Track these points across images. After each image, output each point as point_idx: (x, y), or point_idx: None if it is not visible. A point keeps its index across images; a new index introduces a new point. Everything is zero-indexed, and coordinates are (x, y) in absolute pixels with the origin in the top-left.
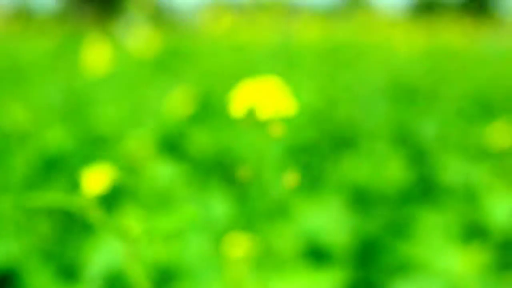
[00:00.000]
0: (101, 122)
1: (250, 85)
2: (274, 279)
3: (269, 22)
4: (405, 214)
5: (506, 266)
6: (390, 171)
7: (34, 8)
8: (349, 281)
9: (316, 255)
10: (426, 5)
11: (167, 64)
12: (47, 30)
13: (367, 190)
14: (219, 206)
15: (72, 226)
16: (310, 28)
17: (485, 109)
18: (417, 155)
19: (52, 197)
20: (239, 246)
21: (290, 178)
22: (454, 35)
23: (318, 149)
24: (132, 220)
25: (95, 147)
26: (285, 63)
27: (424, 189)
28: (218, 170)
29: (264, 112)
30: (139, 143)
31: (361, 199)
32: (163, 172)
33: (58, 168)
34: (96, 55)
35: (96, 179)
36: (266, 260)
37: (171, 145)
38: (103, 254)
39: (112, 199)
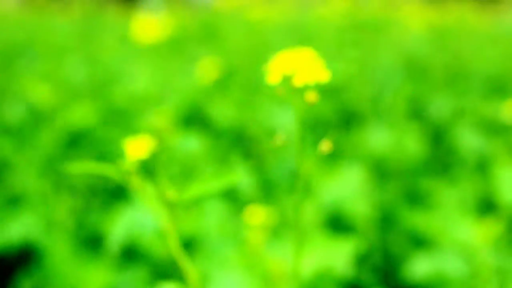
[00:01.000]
0: (126, 97)
1: (286, 54)
2: (295, 248)
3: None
4: (422, 187)
5: None
6: (407, 144)
7: None
8: (367, 250)
9: (337, 225)
10: None
11: (186, 43)
12: (69, 8)
13: (385, 163)
14: (241, 177)
15: (94, 200)
16: (327, 5)
17: (498, 85)
18: (433, 130)
19: (91, 164)
20: (259, 216)
21: (325, 145)
22: (468, 13)
23: (335, 123)
24: (168, 187)
25: (120, 120)
26: (299, 40)
27: (440, 163)
28: (240, 142)
29: (301, 79)
30: (163, 117)
31: (379, 172)
32: (186, 145)
33: (84, 143)
34: (140, 27)
35: (136, 148)
36: (286, 230)
37: (195, 117)
38: (127, 223)
39: (148, 168)
